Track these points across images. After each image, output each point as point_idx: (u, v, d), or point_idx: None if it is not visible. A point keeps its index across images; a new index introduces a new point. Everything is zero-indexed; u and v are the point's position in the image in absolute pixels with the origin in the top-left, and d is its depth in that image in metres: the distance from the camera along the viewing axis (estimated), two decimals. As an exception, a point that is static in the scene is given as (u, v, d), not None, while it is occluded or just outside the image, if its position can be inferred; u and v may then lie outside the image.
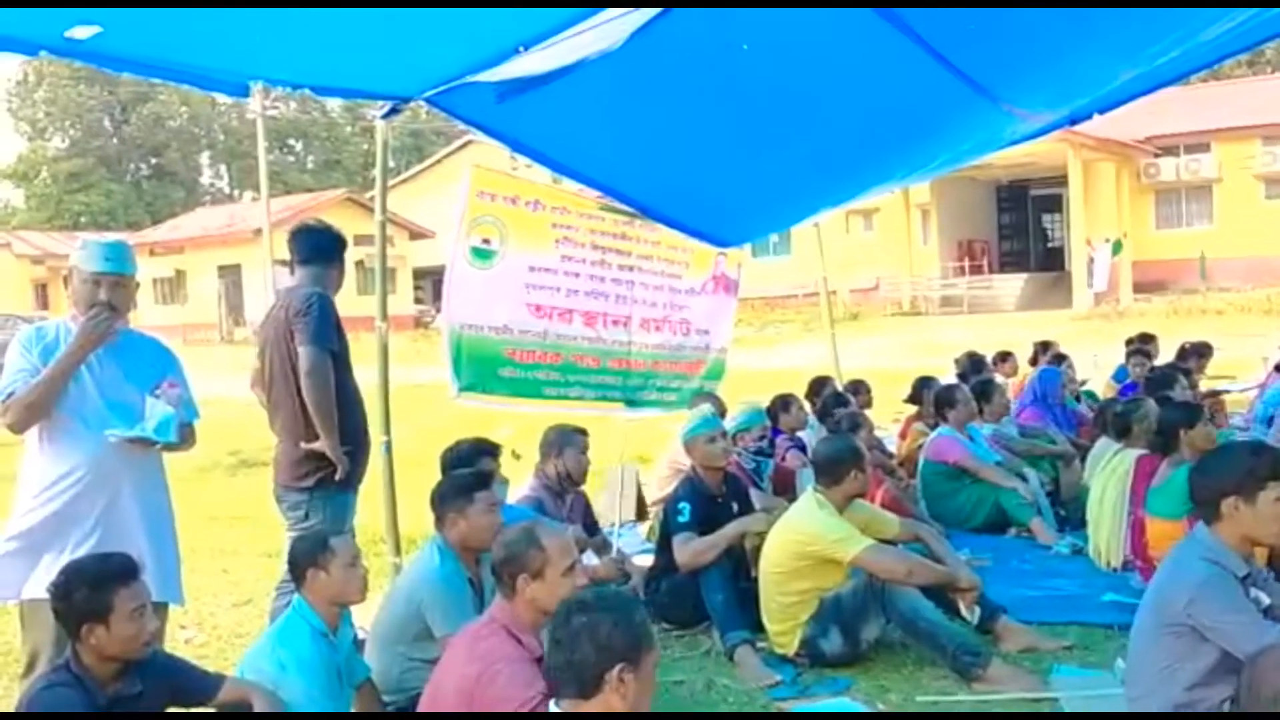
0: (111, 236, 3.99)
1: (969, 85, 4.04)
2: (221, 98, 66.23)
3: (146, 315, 32.53)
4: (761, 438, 6.76)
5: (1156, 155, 31.66)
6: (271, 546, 6.92)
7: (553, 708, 2.60)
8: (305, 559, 3.51)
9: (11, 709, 3.97)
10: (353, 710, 3.66)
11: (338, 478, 4.40)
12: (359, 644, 3.97)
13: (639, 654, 2.51)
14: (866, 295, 32.21)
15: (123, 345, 3.77)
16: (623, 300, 6.56)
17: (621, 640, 2.49)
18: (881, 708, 4.05)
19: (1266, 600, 3.38)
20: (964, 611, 4.65)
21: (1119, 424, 6.05)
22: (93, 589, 2.98)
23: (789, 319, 29.08)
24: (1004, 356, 9.95)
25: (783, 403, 7.42)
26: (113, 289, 3.69)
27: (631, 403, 6.71)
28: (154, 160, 65.00)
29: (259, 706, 3.22)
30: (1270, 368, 9.25)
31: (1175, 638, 3.21)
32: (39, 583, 3.57)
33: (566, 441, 5.51)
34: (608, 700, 2.48)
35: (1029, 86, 4.31)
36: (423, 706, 3.16)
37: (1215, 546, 3.24)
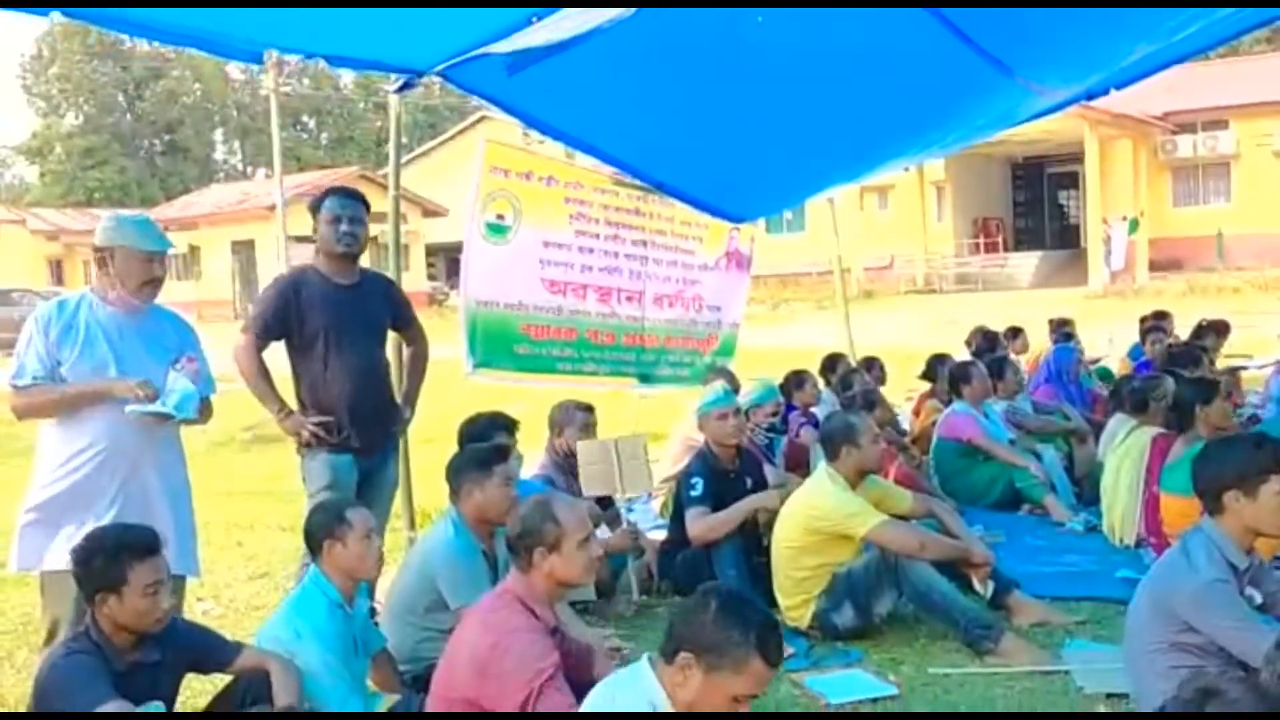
0: (128, 212, 4.05)
1: (985, 59, 4.01)
2: (235, 74, 66.36)
3: (161, 291, 32.51)
4: (774, 414, 6.77)
5: (1174, 132, 31.37)
6: (287, 520, 6.98)
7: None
8: (321, 531, 3.53)
9: (32, 678, 4.03)
10: (370, 679, 3.70)
11: (304, 444, 4.50)
12: (374, 613, 4.01)
13: (723, 661, 2.47)
14: (881, 273, 32.10)
15: (146, 319, 3.81)
16: (636, 276, 6.56)
17: (705, 636, 2.49)
18: (893, 680, 4.08)
19: (1259, 598, 3.42)
20: (977, 586, 4.67)
21: (1136, 400, 6.03)
22: (109, 559, 3.01)
23: (802, 296, 29.01)
24: (1015, 333, 9.90)
25: (796, 379, 7.43)
26: (161, 264, 3.84)
27: (645, 378, 6.72)
28: (167, 137, 65.00)
29: (275, 675, 3.24)
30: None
31: (1165, 624, 3.23)
32: (59, 554, 3.62)
33: (568, 420, 5.56)
34: (671, 675, 2.52)
35: (1046, 61, 4.28)
36: (437, 676, 3.19)
37: (1220, 539, 3.25)
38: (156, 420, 3.70)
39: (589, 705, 2.68)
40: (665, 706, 2.50)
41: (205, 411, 3.91)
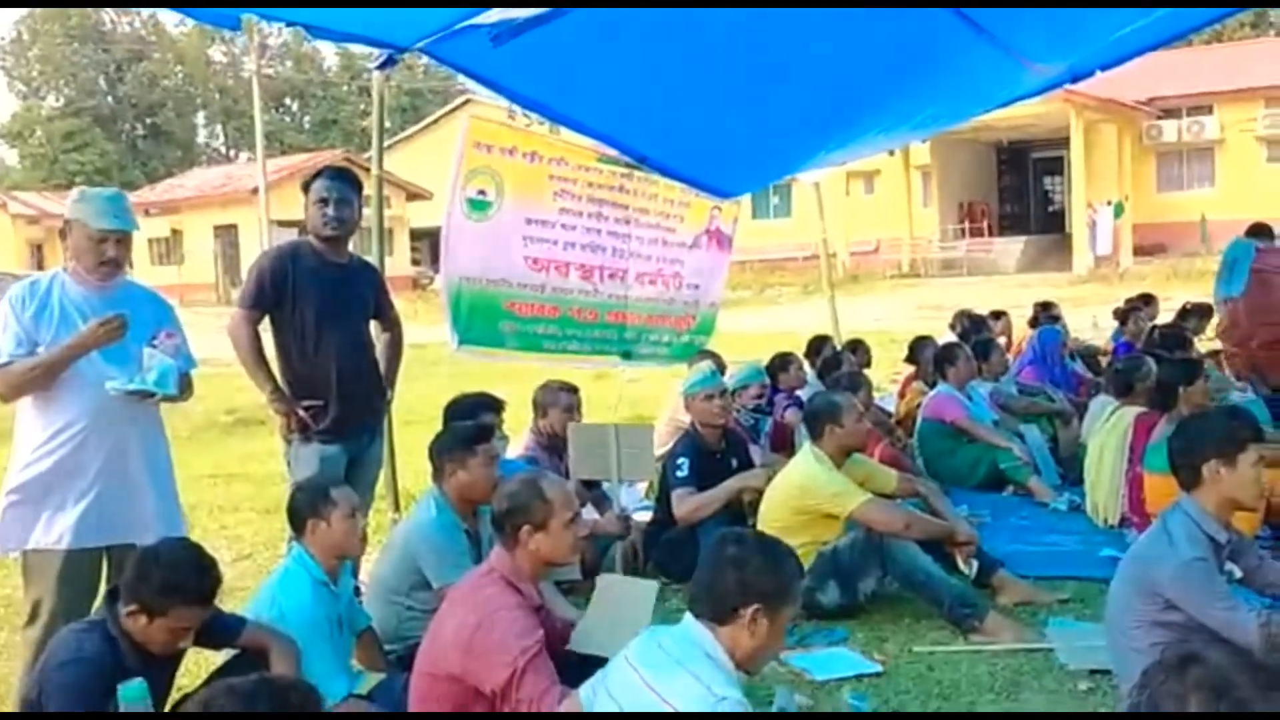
0: (107, 189, 3.94)
1: (971, 27, 3.98)
2: (217, 56, 65.83)
3: (143, 275, 32.34)
4: (760, 395, 6.79)
5: (1159, 117, 31.44)
6: (270, 503, 6.96)
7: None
8: (305, 509, 3.52)
9: (13, 661, 4.00)
10: (354, 658, 3.69)
11: (289, 430, 4.46)
12: (358, 593, 3.99)
13: (779, 603, 2.57)
14: (866, 258, 32.12)
15: (120, 297, 3.75)
16: (619, 253, 6.53)
17: (766, 584, 2.55)
18: (878, 658, 4.09)
19: (1239, 573, 3.49)
20: (961, 565, 4.68)
21: (1119, 381, 6.07)
22: (163, 589, 2.91)
23: (788, 281, 29.02)
24: (997, 315, 9.93)
25: (782, 361, 7.45)
26: (117, 245, 3.70)
27: (628, 355, 6.70)
28: (149, 120, 64.46)
29: (274, 655, 3.23)
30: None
31: (1146, 602, 3.26)
32: (42, 534, 3.60)
33: (551, 401, 5.57)
34: (735, 633, 2.54)
35: (1033, 31, 4.25)
36: (421, 654, 3.17)
37: (1199, 515, 3.28)
38: (137, 398, 3.66)
39: (637, 652, 2.64)
40: (727, 662, 2.54)
41: (186, 387, 3.86)
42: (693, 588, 2.69)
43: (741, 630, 2.53)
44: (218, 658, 3.61)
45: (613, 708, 2.59)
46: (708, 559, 2.67)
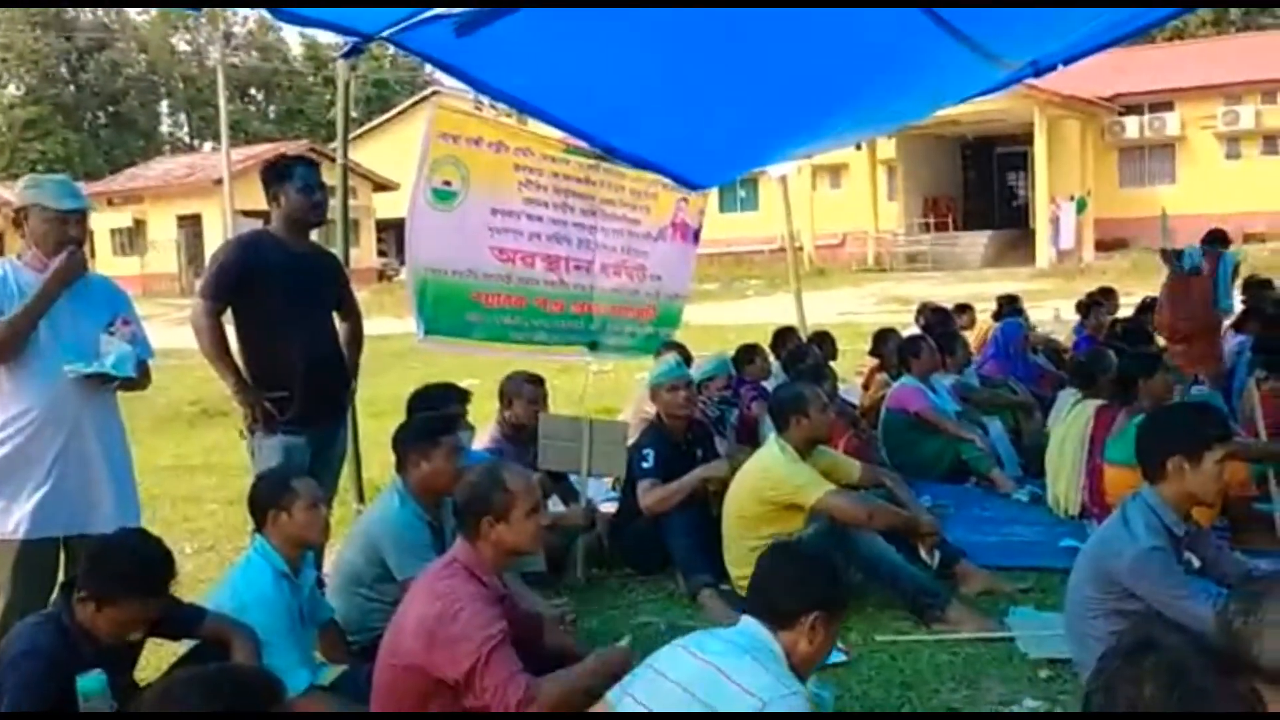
0: (55, 175, 3.93)
1: (937, 23, 4.00)
2: (181, 45, 64.98)
3: (105, 266, 31.92)
4: (726, 387, 6.81)
5: (1121, 113, 31.78)
6: (233, 494, 6.90)
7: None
8: (267, 499, 3.49)
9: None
10: (317, 650, 3.67)
11: (253, 421, 4.41)
12: (321, 585, 3.97)
13: (836, 611, 2.68)
14: (832, 251, 32.29)
15: (76, 284, 3.71)
16: (585, 244, 6.50)
17: (827, 592, 2.66)
18: (842, 647, 4.11)
19: (1197, 563, 3.56)
20: (924, 555, 4.72)
21: (1082, 373, 6.13)
22: (112, 578, 2.88)
23: (755, 274, 29.11)
24: (962, 309, 10.02)
25: (747, 353, 7.48)
26: (78, 225, 3.71)
27: (594, 346, 6.68)
28: (112, 108, 63.54)
29: (235, 646, 3.20)
30: (1227, 325, 9.34)
31: (1105, 591, 3.30)
32: (-3, 522, 3.55)
33: (516, 392, 5.57)
34: (795, 638, 2.62)
35: (998, 27, 4.28)
36: (384, 646, 3.16)
37: (1159, 506, 3.32)
38: (96, 381, 3.63)
39: (694, 642, 2.68)
40: (785, 663, 2.60)
41: (144, 375, 3.83)
42: (752, 592, 2.78)
43: (801, 636, 2.61)
44: (178, 650, 3.57)
45: (670, 688, 2.60)
46: (768, 566, 2.77)
